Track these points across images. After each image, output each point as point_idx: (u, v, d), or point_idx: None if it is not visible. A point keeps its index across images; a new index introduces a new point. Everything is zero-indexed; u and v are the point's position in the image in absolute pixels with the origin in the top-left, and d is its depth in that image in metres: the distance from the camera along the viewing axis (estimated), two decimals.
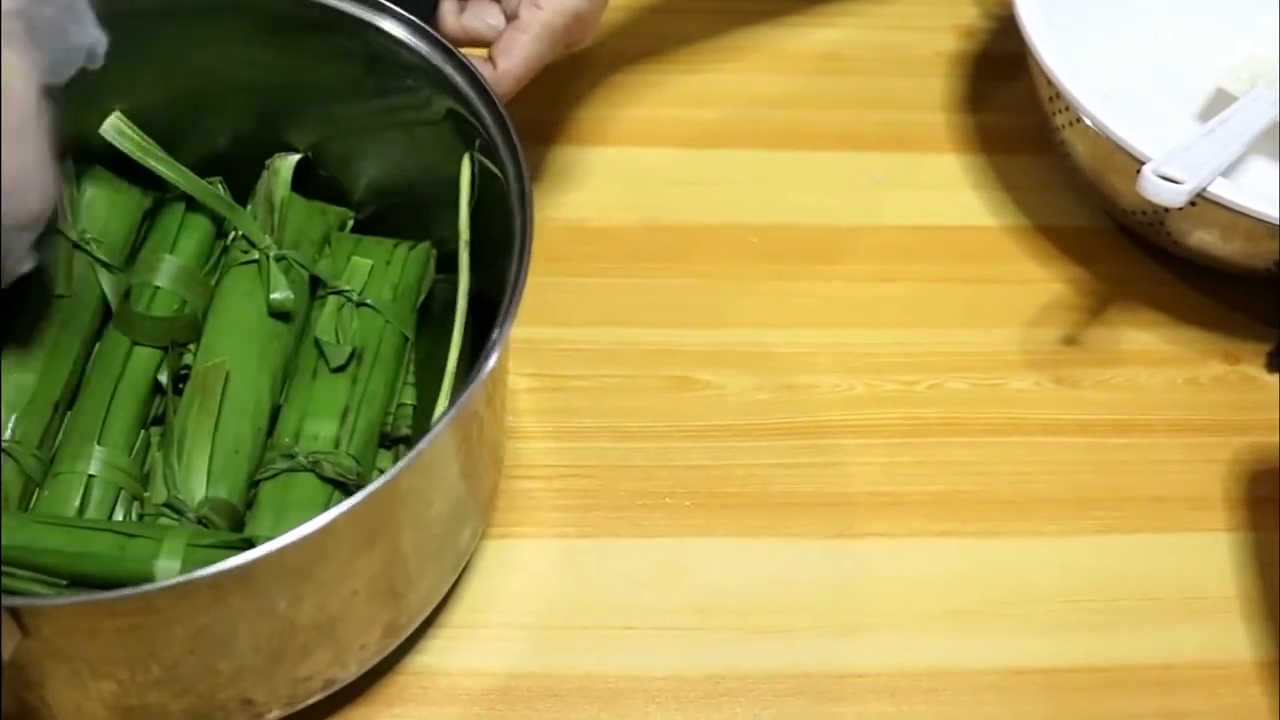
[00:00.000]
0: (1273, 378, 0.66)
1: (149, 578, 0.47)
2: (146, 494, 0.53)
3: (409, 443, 0.57)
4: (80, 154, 0.59)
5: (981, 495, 0.61)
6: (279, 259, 0.58)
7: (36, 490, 0.53)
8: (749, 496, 0.60)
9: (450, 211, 0.55)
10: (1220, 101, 0.71)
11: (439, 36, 0.54)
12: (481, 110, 0.53)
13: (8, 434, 0.53)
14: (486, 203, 0.54)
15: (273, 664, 0.47)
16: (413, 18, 0.54)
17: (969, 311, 0.67)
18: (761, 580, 0.58)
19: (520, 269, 0.48)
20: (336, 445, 0.54)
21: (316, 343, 0.57)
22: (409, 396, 0.58)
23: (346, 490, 0.53)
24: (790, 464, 0.61)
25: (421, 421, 0.57)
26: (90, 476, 0.53)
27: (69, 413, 0.55)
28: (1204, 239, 0.64)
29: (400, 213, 0.61)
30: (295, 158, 0.60)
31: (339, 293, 0.58)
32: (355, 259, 0.59)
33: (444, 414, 0.44)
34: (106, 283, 0.58)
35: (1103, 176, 0.66)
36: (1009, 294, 0.68)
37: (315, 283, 0.59)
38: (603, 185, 0.72)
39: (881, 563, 0.59)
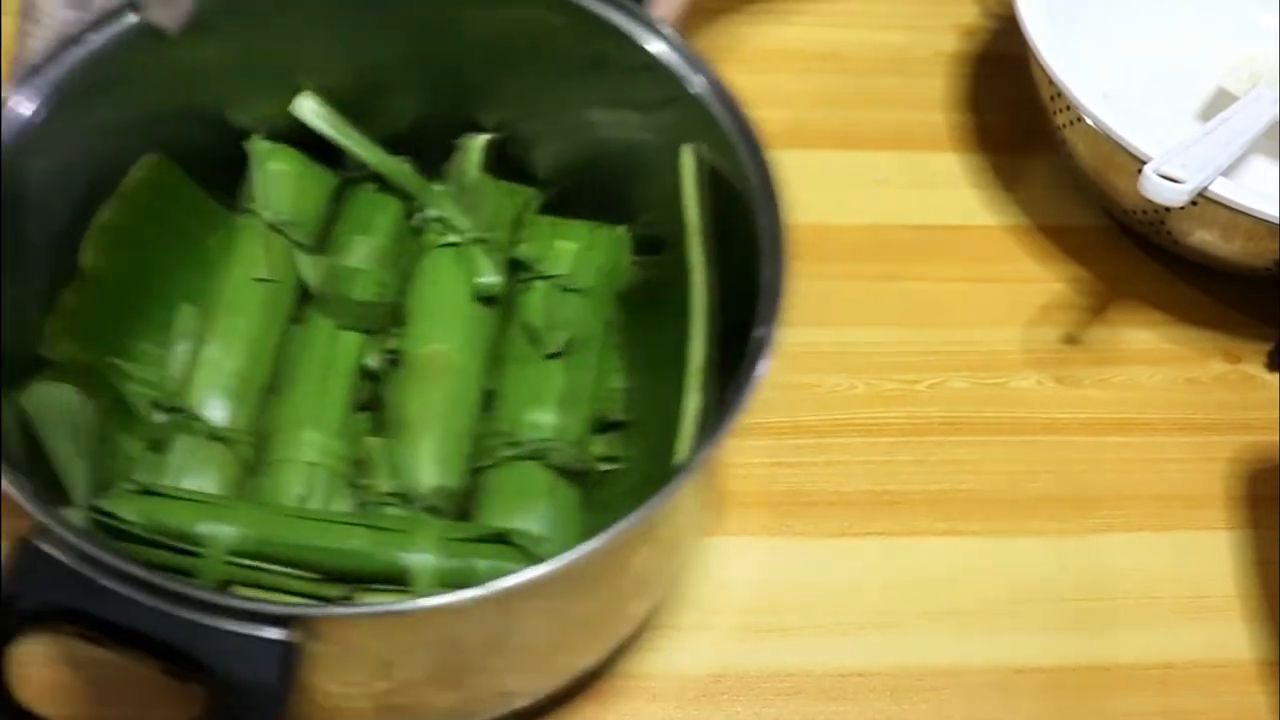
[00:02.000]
0: (1273, 377, 0.66)
1: (403, 572, 0.47)
2: (366, 482, 0.53)
3: (619, 427, 0.56)
4: (265, 135, 0.58)
5: (982, 494, 0.61)
6: (479, 242, 0.57)
7: (250, 479, 0.53)
8: (750, 495, 0.60)
9: (643, 193, 0.56)
10: (1221, 101, 0.71)
11: (658, 21, 0.53)
12: (710, 100, 0.52)
13: (223, 420, 0.52)
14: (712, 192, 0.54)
15: (538, 659, 0.48)
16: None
17: (970, 310, 0.67)
18: (762, 579, 0.58)
19: (778, 269, 0.49)
20: (559, 432, 0.54)
21: (527, 327, 0.56)
22: (619, 382, 0.57)
23: (571, 477, 0.53)
24: (791, 463, 0.61)
25: (636, 407, 0.56)
26: (311, 464, 0.52)
27: (273, 398, 0.55)
28: (1205, 238, 0.64)
29: (585, 193, 0.60)
30: (485, 137, 0.59)
31: (546, 277, 0.57)
32: (559, 243, 0.58)
33: (723, 419, 0.44)
34: (304, 265, 0.57)
35: (1103, 176, 0.66)
36: (1010, 293, 0.68)
37: (512, 265, 0.58)
38: None
39: (882, 562, 0.59)
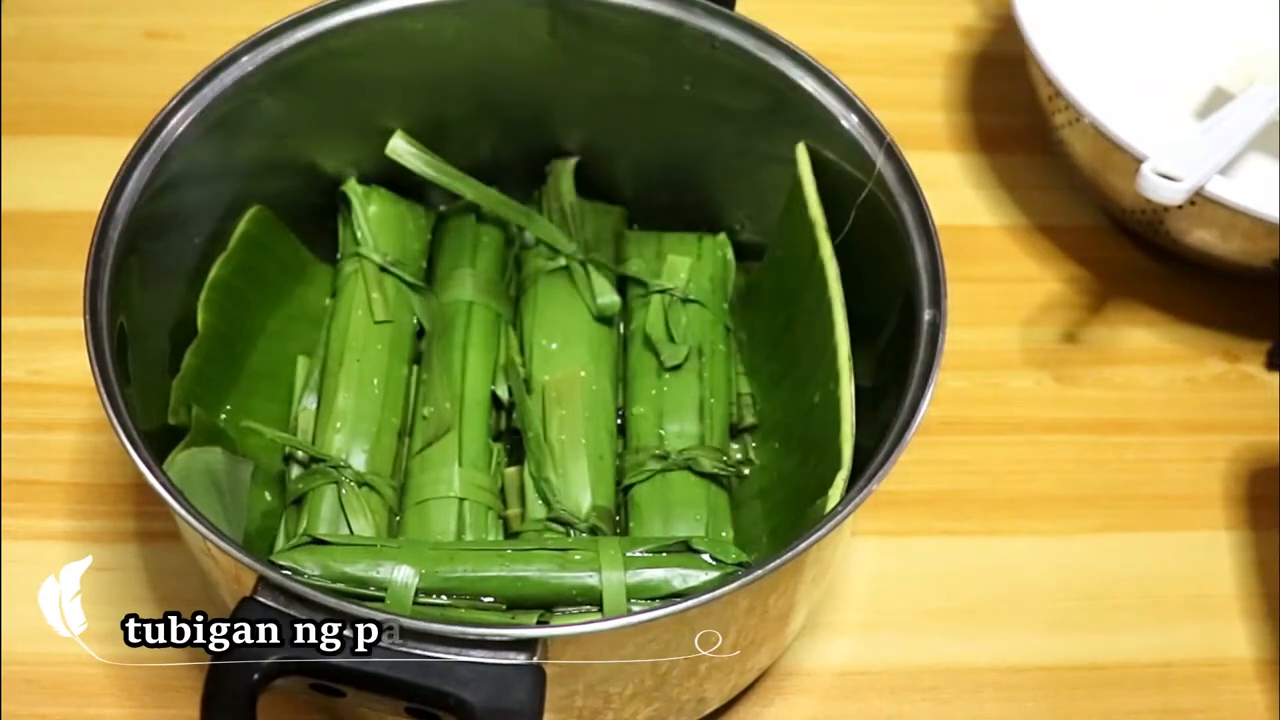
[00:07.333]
0: (1272, 376, 0.66)
1: (591, 591, 0.47)
2: (512, 511, 0.53)
3: (748, 430, 0.57)
4: (358, 178, 0.59)
5: (982, 494, 0.61)
6: (589, 263, 0.57)
7: (397, 520, 0.53)
8: None
9: (730, 200, 0.58)
10: (1219, 100, 0.71)
11: (768, 31, 0.54)
12: (824, 98, 0.53)
13: (364, 466, 0.52)
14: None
15: (735, 660, 0.48)
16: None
17: (969, 310, 0.67)
18: None
19: (932, 252, 0.49)
20: (701, 441, 0.54)
21: (650, 342, 0.56)
22: (744, 386, 0.58)
23: (720, 483, 0.54)
24: None
25: (766, 407, 0.57)
26: (460, 500, 0.52)
27: (411, 438, 0.55)
28: (1203, 238, 0.64)
29: (665, 204, 0.61)
30: (573, 161, 0.60)
31: (661, 291, 0.58)
32: (671, 257, 0.59)
33: (899, 434, 0.45)
34: (418, 304, 0.57)
35: (1102, 175, 0.66)
36: (1009, 293, 0.69)
37: (620, 282, 0.59)
38: None
39: (882, 561, 0.59)
